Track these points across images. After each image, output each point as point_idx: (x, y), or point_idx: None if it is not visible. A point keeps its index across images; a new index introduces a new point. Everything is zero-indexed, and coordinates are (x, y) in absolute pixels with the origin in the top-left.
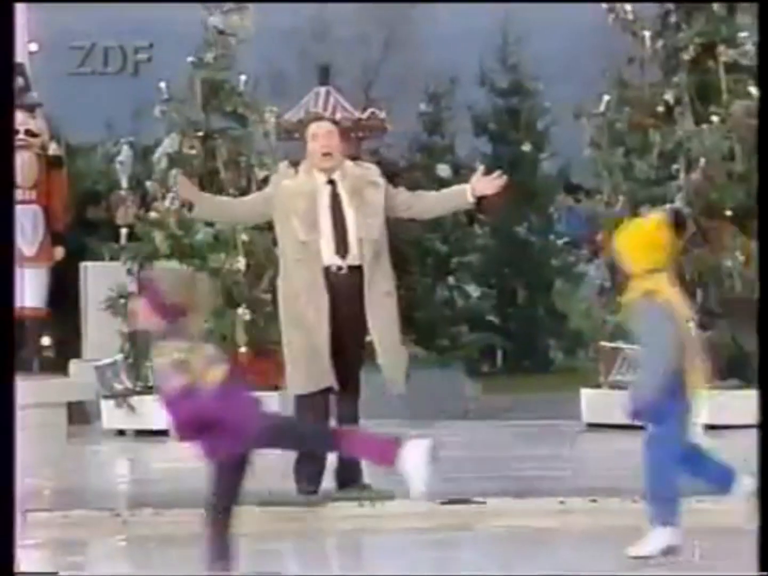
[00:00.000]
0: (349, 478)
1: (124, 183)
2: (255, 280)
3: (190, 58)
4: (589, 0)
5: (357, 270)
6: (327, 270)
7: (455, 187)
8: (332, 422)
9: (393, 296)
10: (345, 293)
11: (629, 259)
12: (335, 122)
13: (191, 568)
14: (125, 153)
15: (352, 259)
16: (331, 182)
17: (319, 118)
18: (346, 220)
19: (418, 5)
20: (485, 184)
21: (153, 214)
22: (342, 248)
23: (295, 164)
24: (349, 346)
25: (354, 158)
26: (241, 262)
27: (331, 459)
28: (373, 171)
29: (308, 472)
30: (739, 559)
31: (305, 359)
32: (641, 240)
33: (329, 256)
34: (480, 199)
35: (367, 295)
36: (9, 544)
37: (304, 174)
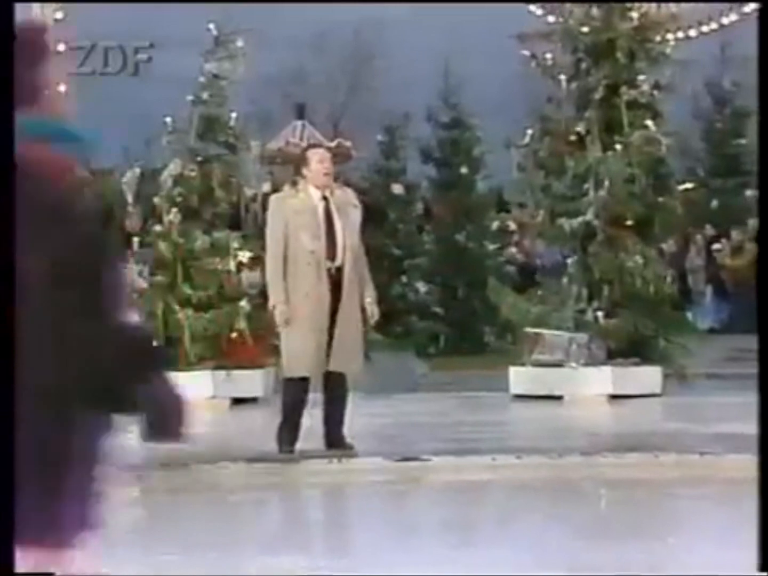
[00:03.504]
0: (333, 441)
1: (130, 199)
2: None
3: (189, 97)
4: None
5: (338, 270)
6: None
7: None
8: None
9: (360, 296)
10: (333, 290)
11: None
12: (329, 149)
13: (194, 515)
14: (130, 175)
15: (338, 261)
16: (325, 198)
17: (318, 145)
18: (335, 230)
19: (378, 57)
20: None
21: (158, 226)
22: (332, 252)
23: (293, 183)
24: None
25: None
26: (231, 264)
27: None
28: (353, 195)
29: (287, 436)
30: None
31: (304, 349)
32: None
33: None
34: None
35: (344, 293)
36: (9, 544)
37: (303, 193)
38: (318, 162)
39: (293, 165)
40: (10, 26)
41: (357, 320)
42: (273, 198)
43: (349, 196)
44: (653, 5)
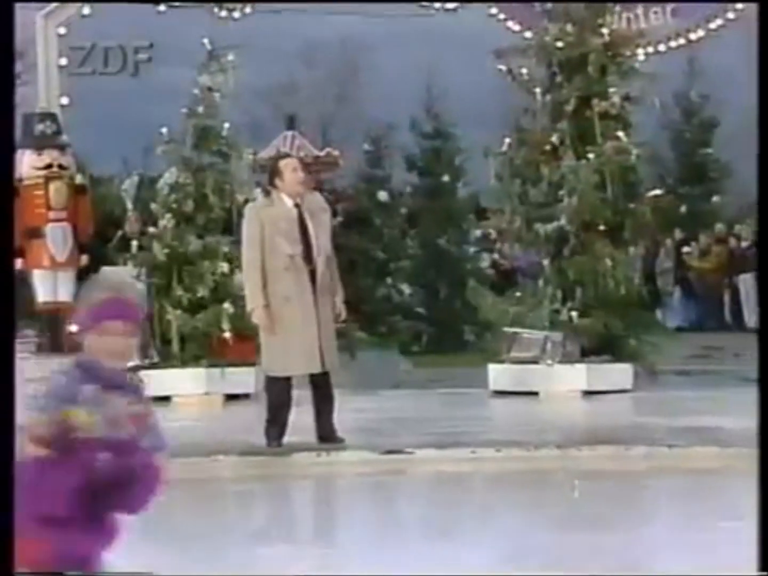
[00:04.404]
0: (325, 435)
1: (129, 205)
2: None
3: (183, 109)
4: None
5: (313, 273)
6: None
7: None
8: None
9: (332, 295)
10: (312, 292)
11: None
12: (300, 159)
13: (188, 506)
14: (129, 183)
15: (313, 264)
16: (297, 206)
17: (288, 155)
18: (309, 234)
19: (363, 70)
20: None
21: (153, 230)
22: (308, 257)
23: (266, 193)
24: None
25: (312, 188)
26: (224, 267)
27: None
28: (321, 199)
29: (274, 433)
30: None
31: (288, 350)
32: None
33: None
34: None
35: (320, 294)
36: (9, 543)
37: (278, 200)
38: (291, 172)
39: (266, 175)
40: (10, 26)
41: (332, 320)
42: (248, 207)
43: (318, 199)
44: (623, 22)
